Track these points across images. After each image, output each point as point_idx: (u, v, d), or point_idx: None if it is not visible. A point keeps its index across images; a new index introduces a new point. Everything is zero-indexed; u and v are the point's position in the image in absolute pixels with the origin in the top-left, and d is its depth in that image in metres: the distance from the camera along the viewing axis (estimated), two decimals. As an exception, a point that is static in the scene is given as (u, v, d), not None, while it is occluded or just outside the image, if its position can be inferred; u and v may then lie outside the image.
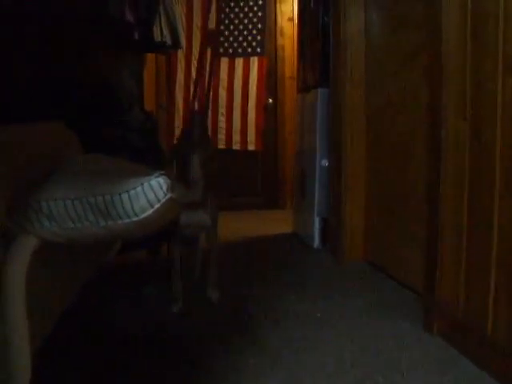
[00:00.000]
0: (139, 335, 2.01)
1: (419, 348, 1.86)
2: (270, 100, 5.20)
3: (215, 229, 2.37)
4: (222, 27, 5.16)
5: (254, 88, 5.09)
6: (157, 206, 1.06)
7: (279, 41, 5.34)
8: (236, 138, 5.15)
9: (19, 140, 1.32)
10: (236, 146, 5.15)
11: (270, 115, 5.28)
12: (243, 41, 5.15)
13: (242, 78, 5.12)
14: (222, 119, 5.18)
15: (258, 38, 5.15)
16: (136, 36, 3.67)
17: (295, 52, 4.79)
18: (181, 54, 5.09)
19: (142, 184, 1.06)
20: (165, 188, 1.06)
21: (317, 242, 3.42)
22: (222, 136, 5.20)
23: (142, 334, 2.02)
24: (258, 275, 2.58)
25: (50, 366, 1.55)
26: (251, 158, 5.27)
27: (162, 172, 1.09)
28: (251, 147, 5.14)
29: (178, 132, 5.28)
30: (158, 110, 5.11)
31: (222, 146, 5.19)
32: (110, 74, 3.37)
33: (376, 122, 2.88)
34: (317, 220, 3.40)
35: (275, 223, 4.24)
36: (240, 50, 5.15)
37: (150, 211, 1.06)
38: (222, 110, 5.16)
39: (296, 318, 2.18)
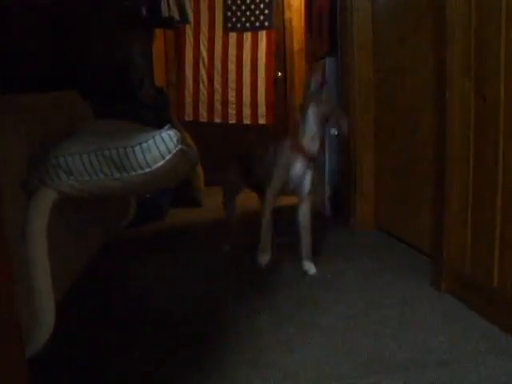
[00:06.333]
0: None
1: (428, 304, 1.90)
2: (279, 73, 5.19)
3: (312, 196, 2.30)
4: (229, 2, 5.15)
5: (263, 62, 5.10)
6: (168, 157, 1.10)
7: (287, 14, 5.31)
8: (246, 112, 5.17)
9: (36, 104, 1.37)
10: (247, 121, 5.17)
11: (279, 89, 5.27)
12: (251, 15, 5.14)
13: (250, 53, 5.12)
14: (232, 94, 5.20)
15: (266, 11, 5.14)
16: (144, 11, 3.70)
17: (303, 25, 4.77)
18: (189, 29, 5.10)
19: (154, 137, 1.10)
20: (175, 140, 1.10)
21: (328, 210, 3.45)
22: (232, 111, 5.22)
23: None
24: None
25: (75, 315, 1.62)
26: (262, 131, 5.27)
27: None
28: (262, 121, 5.16)
29: (188, 108, 5.32)
30: (168, 87, 5.14)
31: (232, 121, 5.22)
32: (119, 50, 3.41)
33: (384, 88, 2.88)
34: (327, 188, 3.42)
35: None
36: (248, 25, 5.14)
37: (162, 162, 1.10)
38: (232, 84, 5.18)
39: (307, 279, 2.23)
